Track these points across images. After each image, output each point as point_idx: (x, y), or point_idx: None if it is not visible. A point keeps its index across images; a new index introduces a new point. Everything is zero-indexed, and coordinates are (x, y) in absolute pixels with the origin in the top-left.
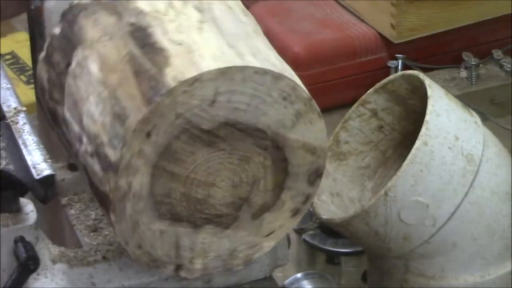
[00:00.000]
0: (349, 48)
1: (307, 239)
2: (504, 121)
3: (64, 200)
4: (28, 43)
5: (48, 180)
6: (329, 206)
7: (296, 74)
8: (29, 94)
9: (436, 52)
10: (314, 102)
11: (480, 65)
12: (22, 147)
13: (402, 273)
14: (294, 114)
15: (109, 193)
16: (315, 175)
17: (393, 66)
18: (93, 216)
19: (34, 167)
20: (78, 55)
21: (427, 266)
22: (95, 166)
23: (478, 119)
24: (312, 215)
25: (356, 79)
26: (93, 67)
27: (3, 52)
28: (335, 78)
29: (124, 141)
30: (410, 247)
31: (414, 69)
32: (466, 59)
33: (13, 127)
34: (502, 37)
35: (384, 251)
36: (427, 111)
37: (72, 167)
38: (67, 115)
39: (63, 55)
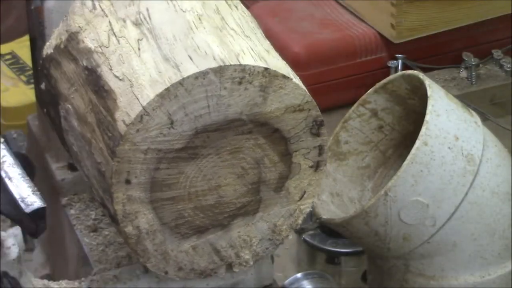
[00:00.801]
0: (349, 48)
1: (307, 239)
2: (504, 121)
3: (64, 200)
4: (28, 43)
5: (39, 213)
6: (329, 206)
7: (297, 74)
8: (29, 94)
9: (436, 52)
10: (271, 69)
11: (480, 65)
12: (6, 180)
13: (402, 273)
14: (259, 89)
15: (125, 242)
16: (317, 126)
17: (393, 66)
18: (93, 216)
19: (23, 201)
20: (62, 110)
21: (427, 266)
22: (107, 217)
23: (478, 119)
24: (312, 215)
25: (356, 79)
26: (73, 121)
27: (3, 52)
28: (335, 78)
29: (110, 196)
30: (410, 247)
31: (414, 69)
32: (466, 59)
33: None
34: (502, 37)
35: (384, 251)
36: (427, 111)
37: (72, 167)
38: (78, 167)
39: (55, 110)
